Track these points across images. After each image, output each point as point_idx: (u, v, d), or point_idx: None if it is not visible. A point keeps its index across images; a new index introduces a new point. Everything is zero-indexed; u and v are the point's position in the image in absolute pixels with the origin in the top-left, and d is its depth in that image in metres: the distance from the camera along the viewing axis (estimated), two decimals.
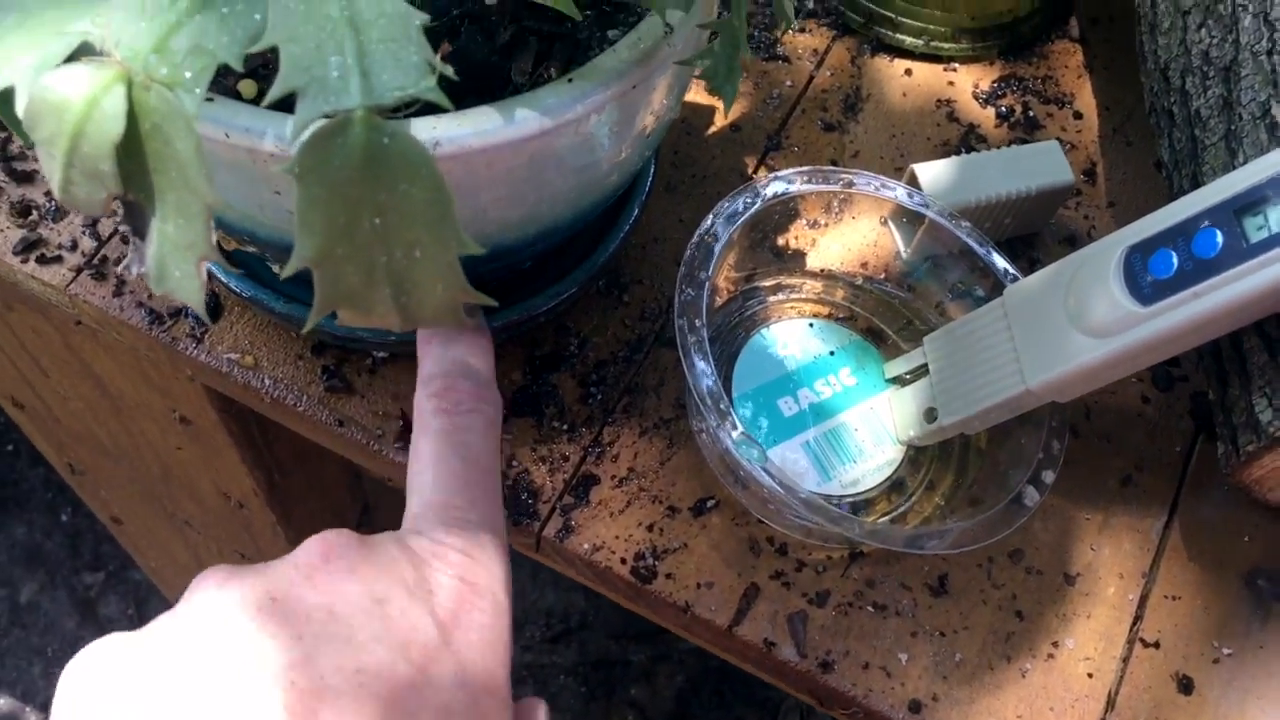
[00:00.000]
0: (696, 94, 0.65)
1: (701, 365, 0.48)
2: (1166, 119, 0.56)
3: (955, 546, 0.48)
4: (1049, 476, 0.50)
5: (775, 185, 0.53)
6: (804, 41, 0.67)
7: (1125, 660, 0.52)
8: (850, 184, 0.55)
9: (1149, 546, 0.55)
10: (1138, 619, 0.53)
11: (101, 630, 1.67)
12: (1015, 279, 0.55)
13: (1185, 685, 0.51)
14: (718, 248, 0.51)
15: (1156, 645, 0.52)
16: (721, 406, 0.47)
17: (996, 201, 0.58)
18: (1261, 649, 0.52)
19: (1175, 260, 0.46)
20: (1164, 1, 0.57)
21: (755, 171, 0.63)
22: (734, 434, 0.46)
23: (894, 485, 0.54)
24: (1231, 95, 0.52)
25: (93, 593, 1.71)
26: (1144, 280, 0.47)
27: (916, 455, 0.55)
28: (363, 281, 0.31)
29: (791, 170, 0.54)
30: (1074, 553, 0.54)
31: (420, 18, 0.32)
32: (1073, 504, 0.55)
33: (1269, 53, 0.50)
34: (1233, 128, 0.51)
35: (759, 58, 0.66)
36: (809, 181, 0.54)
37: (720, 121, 0.64)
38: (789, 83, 0.66)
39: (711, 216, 0.52)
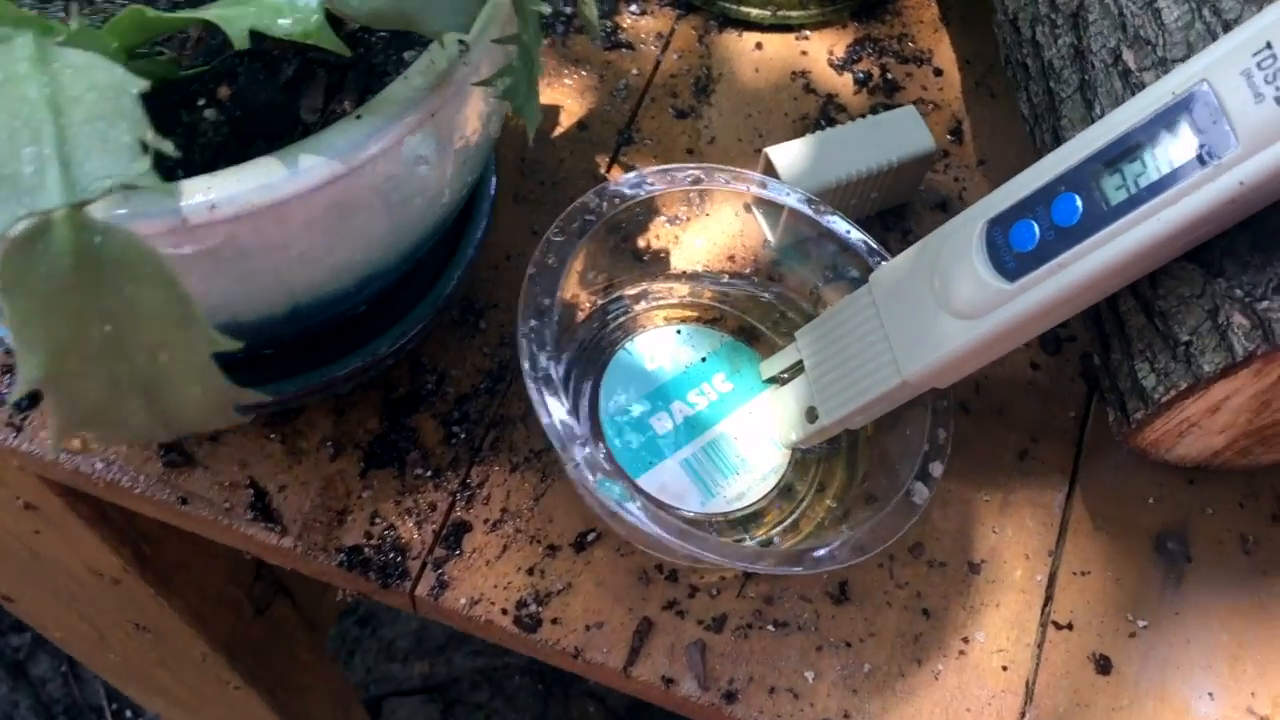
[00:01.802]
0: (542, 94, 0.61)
1: (551, 402, 0.44)
2: (1022, 72, 0.54)
3: (846, 560, 0.45)
4: (937, 469, 0.48)
5: (616, 192, 0.50)
6: (647, 25, 0.64)
7: (1040, 646, 0.50)
8: (699, 180, 0.51)
9: (1052, 522, 0.52)
10: (1048, 600, 0.51)
11: (35, 691, 1.62)
12: (883, 259, 0.52)
13: (1103, 665, 0.49)
14: (562, 268, 0.47)
15: (1070, 626, 0.50)
16: (578, 444, 0.44)
17: (859, 178, 0.55)
18: (1177, 615, 0.50)
19: (1037, 231, 0.43)
20: None
21: (609, 170, 0.59)
22: (591, 478, 0.43)
23: (782, 492, 0.51)
24: (1082, 43, 0.49)
25: (21, 654, 1.66)
26: (1007, 255, 0.44)
27: (803, 457, 0.52)
28: (106, 396, 0.28)
29: (634, 175, 0.51)
30: (976, 538, 0.52)
31: (138, 85, 0.28)
32: (970, 486, 0.53)
33: None
34: (1086, 78, 0.49)
35: (601, 46, 0.63)
36: (654, 184, 0.51)
37: (567, 121, 0.61)
38: (635, 71, 0.62)
39: (548, 237, 0.48)
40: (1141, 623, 0.50)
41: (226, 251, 0.37)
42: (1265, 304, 0.40)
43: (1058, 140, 0.50)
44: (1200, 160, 0.39)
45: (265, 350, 0.47)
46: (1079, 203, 0.42)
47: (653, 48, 0.63)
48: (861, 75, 0.63)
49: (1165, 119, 0.40)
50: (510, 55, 0.38)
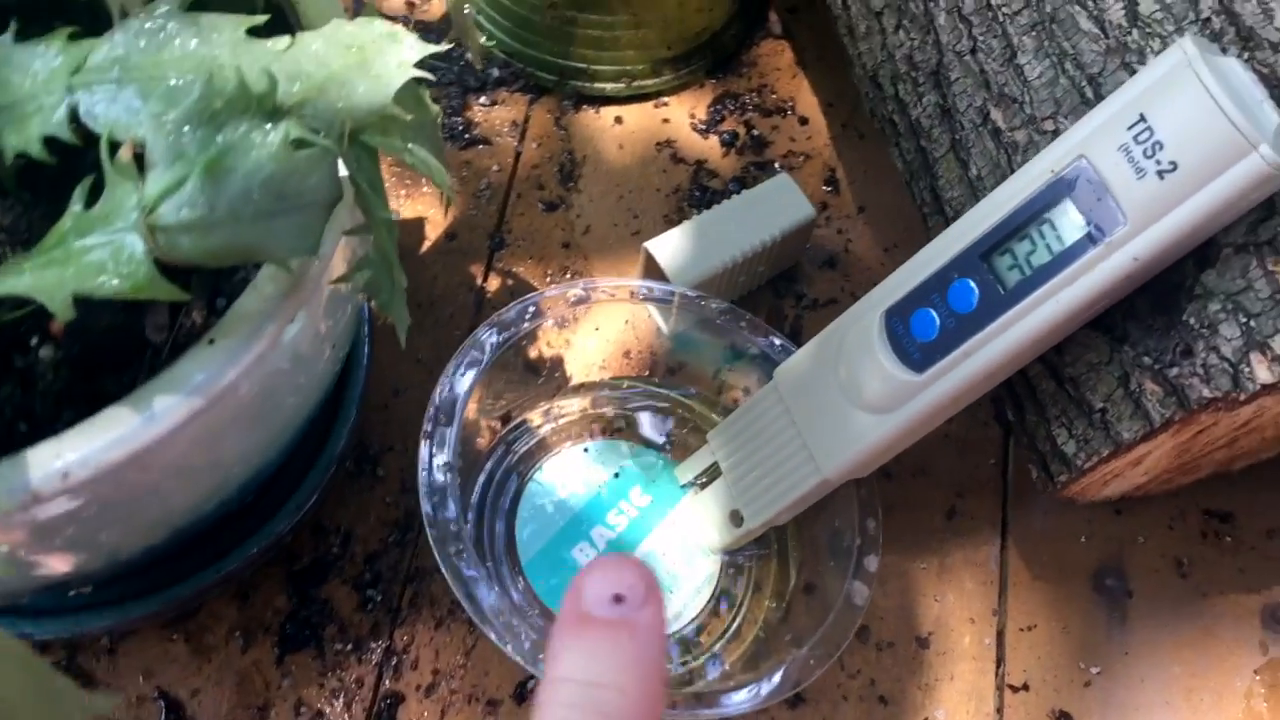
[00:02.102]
0: (401, 210, 0.58)
1: (470, 573, 0.42)
2: (890, 127, 0.52)
3: (798, 683, 0.43)
4: (872, 563, 0.46)
5: (493, 336, 0.47)
6: (500, 115, 0.61)
7: (1000, 712, 0.49)
8: (584, 299, 0.49)
9: (991, 579, 0.51)
10: (1000, 663, 0.50)
11: None
12: (776, 346, 0.50)
13: None
14: (457, 412, 0.45)
15: (1026, 687, 0.49)
16: (501, 620, 0.41)
17: (744, 258, 0.53)
18: (1127, 655, 0.50)
19: (937, 319, 0.42)
20: (855, 2, 0.53)
21: (485, 279, 0.57)
22: (515, 651, 0.41)
23: (719, 601, 0.49)
24: (947, 101, 0.48)
25: None
26: (910, 345, 0.43)
27: (734, 560, 0.50)
28: None
29: (517, 306, 0.48)
30: (919, 611, 0.51)
31: None
32: (905, 556, 0.52)
33: (972, 51, 0.46)
34: (957, 137, 0.47)
35: (455, 147, 0.60)
36: (533, 318, 0.48)
37: (433, 233, 0.58)
38: (495, 167, 0.60)
39: (439, 386, 0.46)
40: (1094, 669, 0.50)
41: (89, 510, 0.34)
42: (1175, 370, 0.40)
43: (936, 198, 0.49)
44: (1090, 239, 0.38)
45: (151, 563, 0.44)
46: (975, 288, 0.41)
47: (510, 139, 0.60)
48: (727, 136, 0.61)
49: (1048, 198, 0.39)
50: (368, 245, 0.35)
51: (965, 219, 0.42)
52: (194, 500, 0.38)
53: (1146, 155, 0.37)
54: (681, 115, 0.62)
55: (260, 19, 0.32)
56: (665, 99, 0.62)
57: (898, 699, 0.49)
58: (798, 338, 0.56)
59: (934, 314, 0.42)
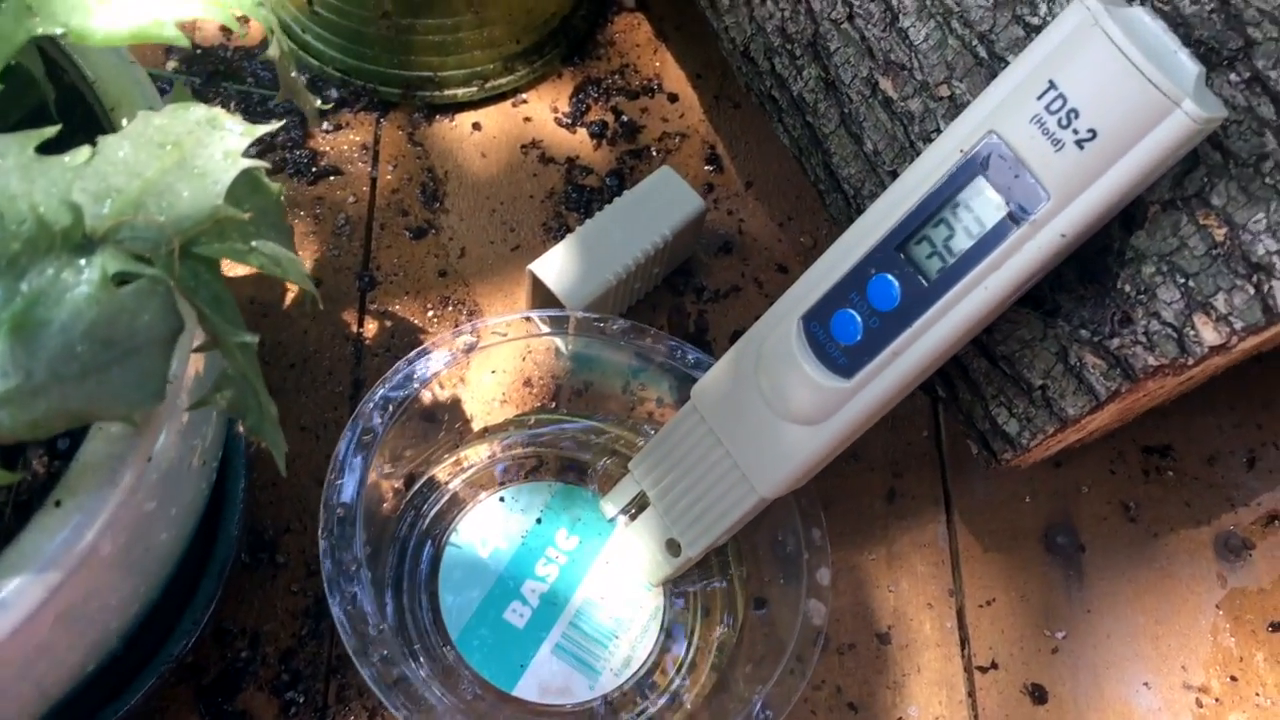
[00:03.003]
0: None
1: (401, 685, 0.38)
2: (770, 104, 0.49)
3: (780, 710, 0.41)
4: (825, 576, 0.44)
5: (385, 394, 0.43)
6: (347, 140, 0.56)
7: (972, 696, 0.47)
8: (471, 347, 0.45)
9: (942, 558, 0.49)
10: (965, 644, 0.48)
11: None
12: (685, 356, 0.47)
13: (1038, 695, 0.47)
14: (355, 527, 0.41)
15: (994, 666, 0.48)
16: None
17: (635, 265, 0.49)
18: (1089, 613, 0.49)
19: (859, 319, 0.39)
20: None
21: (360, 325, 0.52)
22: None
23: (669, 636, 0.46)
24: (830, 74, 0.44)
25: None
26: (834, 350, 0.40)
27: (677, 588, 0.47)
28: None
29: (402, 370, 0.44)
30: (874, 605, 0.48)
31: None
32: (851, 549, 0.49)
33: (849, 18, 0.43)
34: (846, 111, 0.44)
35: (303, 182, 0.55)
36: (424, 369, 0.44)
37: (294, 284, 0.53)
38: (351, 198, 0.55)
39: (331, 468, 0.41)
40: (1060, 634, 0.48)
41: None
42: (1115, 341, 0.37)
43: (831, 174, 0.46)
44: (1013, 219, 0.35)
45: None
46: (895, 283, 0.38)
47: (362, 165, 0.55)
48: (595, 126, 0.57)
49: (960, 180, 0.36)
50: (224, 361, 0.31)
51: (875, 209, 0.39)
52: (69, 670, 0.33)
53: (1062, 125, 0.34)
54: (543, 111, 0.57)
55: (50, 131, 0.27)
56: (523, 96, 0.58)
57: (867, 703, 0.47)
58: (704, 335, 0.53)
59: (855, 314, 0.39)
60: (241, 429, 0.43)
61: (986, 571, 0.49)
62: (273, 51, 0.34)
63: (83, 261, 0.26)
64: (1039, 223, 0.35)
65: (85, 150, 0.28)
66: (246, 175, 0.30)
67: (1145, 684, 0.47)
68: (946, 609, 0.49)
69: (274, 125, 0.30)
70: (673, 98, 0.58)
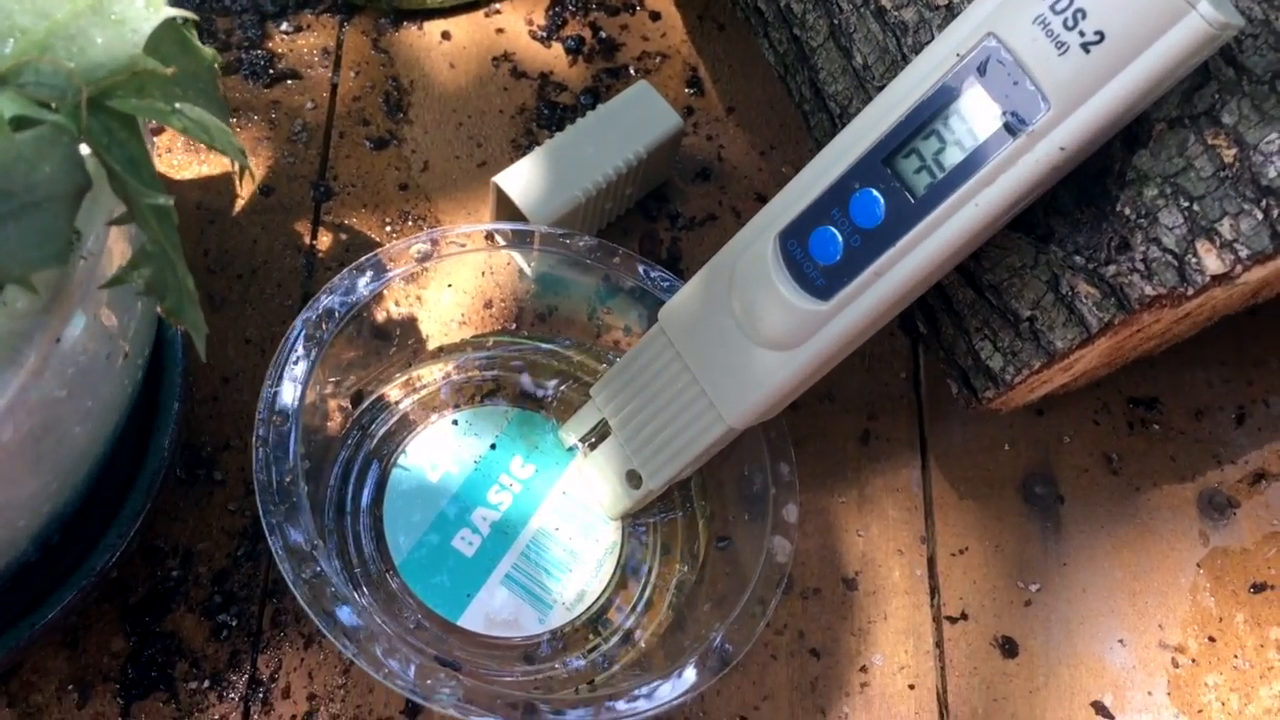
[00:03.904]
0: (205, 165, 0.50)
1: (335, 606, 0.35)
2: (757, 17, 0.46)
3: (729, 658, 0.39)
4: (792, 512, 0.42)
5: (332, 301, 0.40)
6: (307, 42, 0.53)
7: (939, 647, 0.45)
8: (427, 256, 0.42)
9: (915, 504, 0.47)
10: (934, 594, 0.46)
11: None
12: (655, 279, 0.44)
13: (1008, 647, 0.45)
14: (290, 429, 0.38)
15: (964, 616, 0.45)
16: (380, 647, 0.35)
17: (607, 183, 0.46)
18: (1065, 566, 0.47)
19: (839, 237, 0.36)
20: None
21: (314, 238, 0.49)
22: (401, 684, 0.35)
23: (627, 572, 0.44)
24: None
25: None
26: (812, 270, 0.37)
27: (636, 522, 0.45)
28: None
29: (346, 273, 0.41)
30: (843, 549, 0.46)
31: None
32: (821, 491, 0.47)
33: None
34: (835, 22, 0.41)
35: (259, 85, 0.52)
36: (375, 277, 0.42)
37: (246, 189, 0.50)
38: (310, 104, 0.52)
39: (269, 378, 0.39)
40: (1034, 586, 0.46)
41: None
42: (1111, 268, 0.35)
43: (817, 92, 0.44)
44: (1009, 129, 0.33)
45: None
46: (880, 198, 0.36)
47: (323, 70, 0.52)
48: (572, 42, 0.54)
49: (955, 86, 0.34)
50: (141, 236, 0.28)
51: (861, 118, 0.36)
52: None
53: (1067, 26, 0.31)
54: (517, 23, 0.54)
55: None
56: (496, 6, 0.55)
57: (830, 649, 0.45)
58: (677, 263, 0.50)
59: (835, 232, 0.36)
60: (161, 313, 0.40)
61: (960, 520, 0.47)
62: None
63: None
64: (1037, 134, 0.33)
65: None
66: (174, 32, 0.28)
67: (1120, 641, 0.45)
68: (917, 556, 0.46)
69: None
70: (654, 15, 0.55)
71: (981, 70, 0.33)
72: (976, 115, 0.33)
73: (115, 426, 0.35)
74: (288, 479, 0.37)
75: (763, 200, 0.52)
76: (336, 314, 0.40)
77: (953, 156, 0.34)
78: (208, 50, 0.29)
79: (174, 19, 0.26)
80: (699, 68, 0.55)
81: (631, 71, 0.54)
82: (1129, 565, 0.47)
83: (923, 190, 0.35)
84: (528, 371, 0.47)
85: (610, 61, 0.54)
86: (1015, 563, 0.46)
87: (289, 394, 0.38)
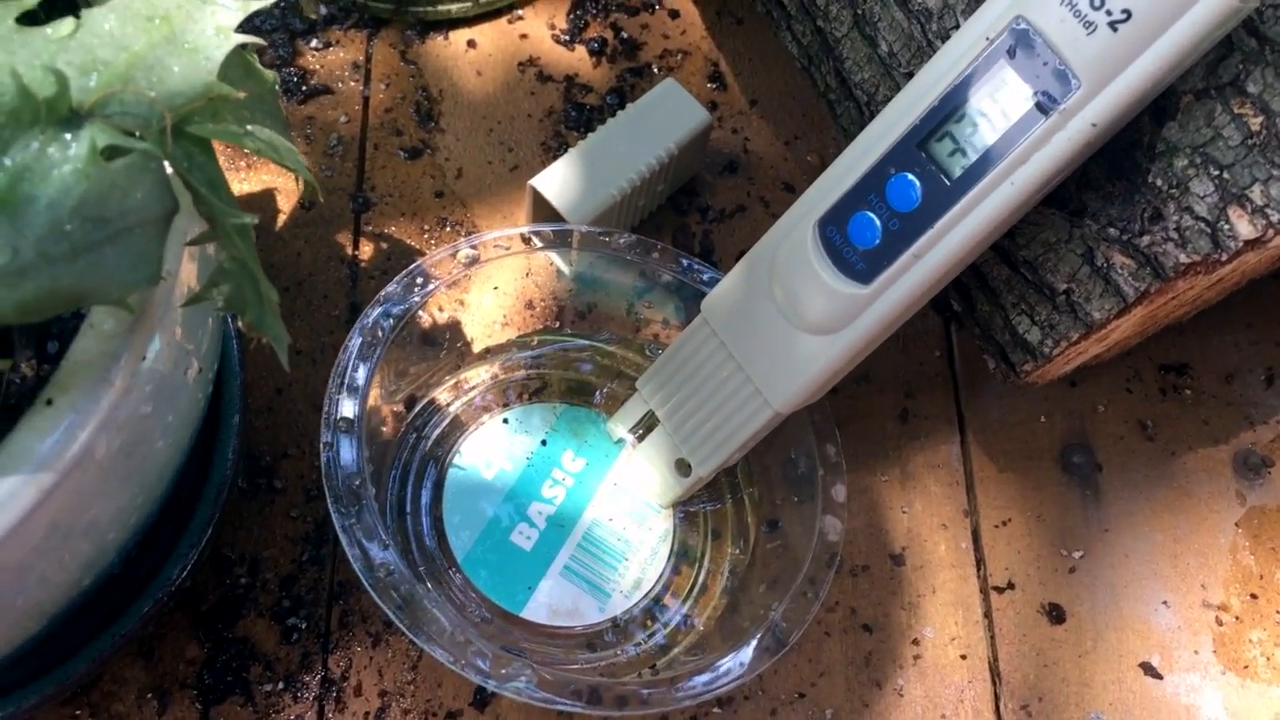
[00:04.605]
0: (245, 182, 0.51)
1: (408, 597, 0.37)
2: (778, 10, 0.47)
3: (786, 639, 0.40)
4: (840, 492, 0.43)
5: (383, 319, 0.42)
6: (337, 58, 0.54)
7: (988, 617, 0.46)
8: (474, 260, 0.44)
9: (956, 479, 0.48)
10: (980, 565, 0.47)
11: None
12: (693, 270, 0.46)
13: (1055, 614, 0.46)
14: (355, 438, 0.39)
15: (1011, 586, 0.47)
16: (451, 639, 0.36)
17: (641, 180, 0.48)
18: (1107, 532, 0.48)
19: (878, 222, 0.37)
20: None
21: (356, 248, 0.50)
22: (472, 672, 0.36)
23: (680, 558, 0.45)
24: None
25: None
26: (852, 255, 0.38)
27: (687, 509, 0.46)
28: None
29: (398, 281, 0.42)
30: (888, 526, 0.47)
31: None
32: (864, 471, 0.48)
33: None
34: (860, 11, 0.43)
35: (294, 102, 0.53)
36: (422, 289, 0.43)
37: (287, 204, 0.51)
38: (343, 118, 0.53)
39: (328, 413, 0.40)
40: (1077, 554, 0.47)
41: None
42: (1146, 238, 0.36)
43: (843, 82, 0.45)
44: (1040, 109, 0.34)
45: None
46: (916, 182, 0.37)
47: (354, 83, 0.54)
48: (595, 43, 0.55)
49: (985, 69, 0.35)
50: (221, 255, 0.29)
51: (893, 105, 0.37)
52: (67, 583, 0.32)
53: (1095, 6, 0.32)
54: (540, 28, 0.56)
55: (29, 1, 0.26)
56: (519, 12, 0.56)
57: (882, 624, 0.46)
58: (710, 255, 0.51)
59: (873, 217, 0.38)
60: (240, 326, 0.41)
61: (1002, 492, 0.48)
62: None
63: (69, 135, 0.24)
64: (1069, 112, 0.34)
65: (69, 22, 0.26)
66: (239, 58, 0.29)
67: (1164, 602, 0.47)
68: (962, 530, 0.47)
69: (267, 1, 0.28)
70: (674, 14, 0.56)
71: (1011, 53, 0.34)
72: (1008, 96, 0.35)
73: (190, 439, 0.36)
74: (356, 483, 0.38)
75: (790, 189, 0.53)
76: (389, 324, 0.42)
77: (986, 138, 0.35)
78: (269, 73, 0.30)
79: (242, 45, 0.27)
80: (720, 63, 0.56)
81: (654, 70, 0.55)
82: (1169, 528, 0.48)
83: (958, 172, 0.36)
84: (573, 368, 0.48)
85: (633, 61, 0.55)
86: (1057, 531, 0.48)
87: (349, 404, 0.39)
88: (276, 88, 0.30)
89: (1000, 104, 0.35)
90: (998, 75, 0.35)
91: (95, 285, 0.25)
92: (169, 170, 0.26)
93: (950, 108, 0.36)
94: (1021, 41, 0.34)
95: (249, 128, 0.28)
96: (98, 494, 0.31)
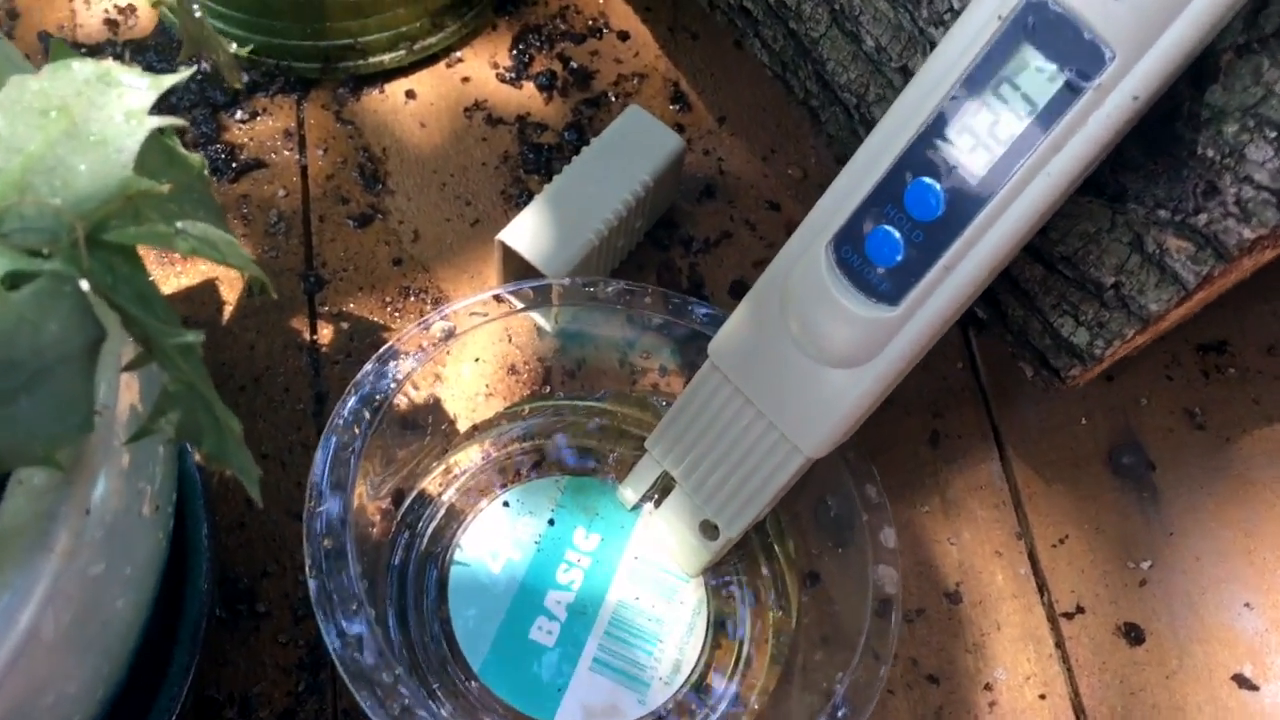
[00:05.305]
0: (183, 276, 0.46)
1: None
2: (742, 17, 0.43)
3: (865, 703, 0.35)
4: (889, 537, 0.38)
5: (358, 402, 0.37)
6: (266, 128, 0.49)
7: (1061, 648, 0.42)
8: (450, 333, 0.39)
9: (1002, 499, 0.44)
10: (1043, 591, 0.43)
11: None
12: (685, 309, 0.41)
13: (1133, 635, 0.42)
14: (348, 558, 0.34)
15: (1080, 610, 0.43)
16: None
17: (617, 219, 0.43)
18: (1172, 535, 0.44)
19: (898, 236, 0.33)
20: None
21: (314, 333, 0.46)
22: None
23: (718, 629, 0.41)
24: None
25: None
26: (873, 276, 0.34)
27: (718, 575, 0.42)
28: None
29: (370, 370, 0.38)
30: (938, 562, 0.43)
31: None
32: (902, 504, 0.44)
33: None
34: (837, 7, 0.39)
35: (224, 181, 0.48)
36: (398, 367, 0.38)
37: (232, 294, 0.46)
38: (282, 191, 0.48)
39: (310, 531, 0.35)
40: (1145, 564, 0.43)
41: None
42: (1202, 216, 0.32)
43: (825, 85, 0.41)
44: (1071, 88, 0.30)
45: None
46: (936, 187, 0.33)
47: (288, 152, 0.49)
48: (544, 78, 0.51)
49: (1001, 52, 0.31)
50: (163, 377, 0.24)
51: (899, 107, 0.33)
52: None
53: None
54: (482, 68, 0.51)
55: None
56: (457, 54, 0.51)
57: (948, 672, 0.41)
58: (700, 290, 0.47)
59: (893, 230, 0.33)
60: (198, 458, 0.36)
61: (1054, 507, 0.44)
62: None
63: None
64: (1105, 87, 0.30)
65: None
66: (158, 144, 0.24)
67: (1246, 604, 0.43)
68: (1017, 554, 0.43)
69: (183, 75, 0.24)
70: (623, 35, 0.52)
71: (1030, 29, 0.30)
72: (1031, 80, 0.31)
73: (156, 584, 0.31)
74: (351, 605, 0.33)
75: (775, 208, 0.49)
76: (367, 414, 0.37)
77: (1012, 128, 0.31)
78: (194, 156, 0.26)
79: (159, 129, 0.23)
80: (680, 82, 0.52)
81: (612, 98, 0.51)
82: (1238, 522, 0.44)
83: (983, 171, 0.32)
84: (570, 434, 0.43)
85: (587, 91, 0.51)
86: (1120, 542, 0.44)
87: (334, 512, 0.35)
88: (205, 171, 0.26)
89: (1023, 89, 0.31)
90: (1018, 56, 0.31)
91: (13, 445, 0.20)
92: (87, 290, 0.21)
93: (966, 99, 0.32)
94: (1040, 15, 0.30)
95: (179, 224, 0.23)
96: (50, 678, 0.26)
